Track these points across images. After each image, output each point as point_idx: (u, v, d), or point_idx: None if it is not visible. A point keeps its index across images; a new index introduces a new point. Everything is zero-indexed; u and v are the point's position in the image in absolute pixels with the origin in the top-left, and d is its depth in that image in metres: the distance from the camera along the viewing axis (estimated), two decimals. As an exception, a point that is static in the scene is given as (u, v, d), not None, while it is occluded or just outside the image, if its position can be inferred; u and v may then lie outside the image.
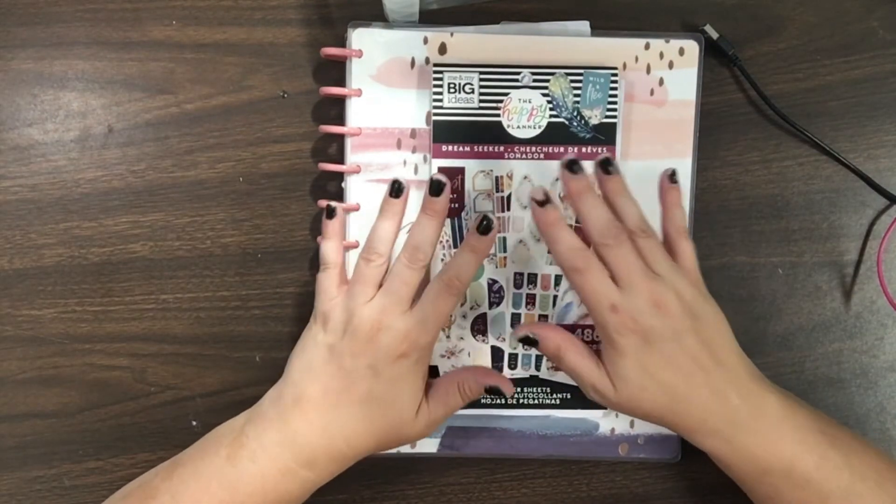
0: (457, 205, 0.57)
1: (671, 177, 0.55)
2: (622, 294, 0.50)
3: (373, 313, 0.52)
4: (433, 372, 0.57)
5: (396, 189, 0.53)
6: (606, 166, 0.52)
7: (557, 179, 0.57)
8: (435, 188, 0.53)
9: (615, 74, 0.57)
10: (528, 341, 0.53)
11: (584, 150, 0.57)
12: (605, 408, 0.58)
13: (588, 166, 0.51)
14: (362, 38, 0.56)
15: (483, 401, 0.58)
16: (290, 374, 0.53)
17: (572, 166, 0.51)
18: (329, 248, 0.55)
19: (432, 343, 0.53)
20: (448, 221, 0.57)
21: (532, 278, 0.58)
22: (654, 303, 0.50)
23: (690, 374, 0.51)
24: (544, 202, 0.51)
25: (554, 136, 0.57)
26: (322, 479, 0.53)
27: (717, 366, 0.51)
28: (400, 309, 0.52)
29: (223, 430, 0.53)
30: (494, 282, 0.57)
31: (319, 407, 0.52)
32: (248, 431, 0.52)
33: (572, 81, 0.56)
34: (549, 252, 0.53)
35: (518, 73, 0.56)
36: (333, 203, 0.55)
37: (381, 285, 0.53)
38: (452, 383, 0.54)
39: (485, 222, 0.52)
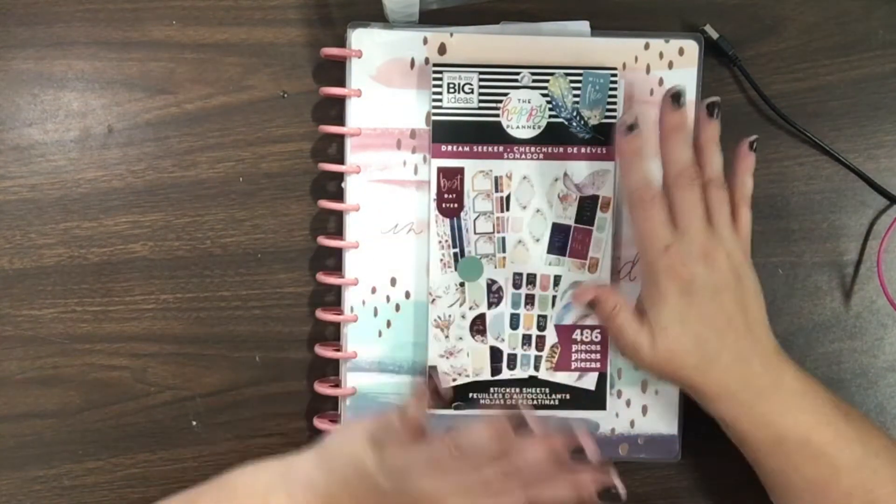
0: (456, 205, 0.57)
1: (752, 144, 0.55)
2: (677, 237, 0.52)
3: None
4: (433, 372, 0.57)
5: (678, 96, 0.54)
6: (712, 109, 0.54)
7: (557, 180, 0.57)
8: (677, 97, 0.53)
9: (615, 75, 0.56)
10: (591, 305, 0.55)
11: (583, 150, 0.57)
12: (604, 409, 0.58)
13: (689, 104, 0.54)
14: (362, 39, 0.56)
15: (482, 401, 0.58)
16: (326, 477, 0.48)
17: (678, 98, 0.53)
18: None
19: None
20: (447, 221, 0.57)
21: (531, 278, 0.57)
22: (705, 253, 0.52)
23: (722, 332, 0.52)
24: (633, 127, 0.53)
25: (553, 136, 0.57)
26: None
27: (748, 331, 0.52)
28: None
29: (243, 490, 0.48)
30: (493, 282, 0.57)
31: None
32: None
33: (572, 81, 0.56)
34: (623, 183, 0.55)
35: (517, 74, 0.56)
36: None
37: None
38: None
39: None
